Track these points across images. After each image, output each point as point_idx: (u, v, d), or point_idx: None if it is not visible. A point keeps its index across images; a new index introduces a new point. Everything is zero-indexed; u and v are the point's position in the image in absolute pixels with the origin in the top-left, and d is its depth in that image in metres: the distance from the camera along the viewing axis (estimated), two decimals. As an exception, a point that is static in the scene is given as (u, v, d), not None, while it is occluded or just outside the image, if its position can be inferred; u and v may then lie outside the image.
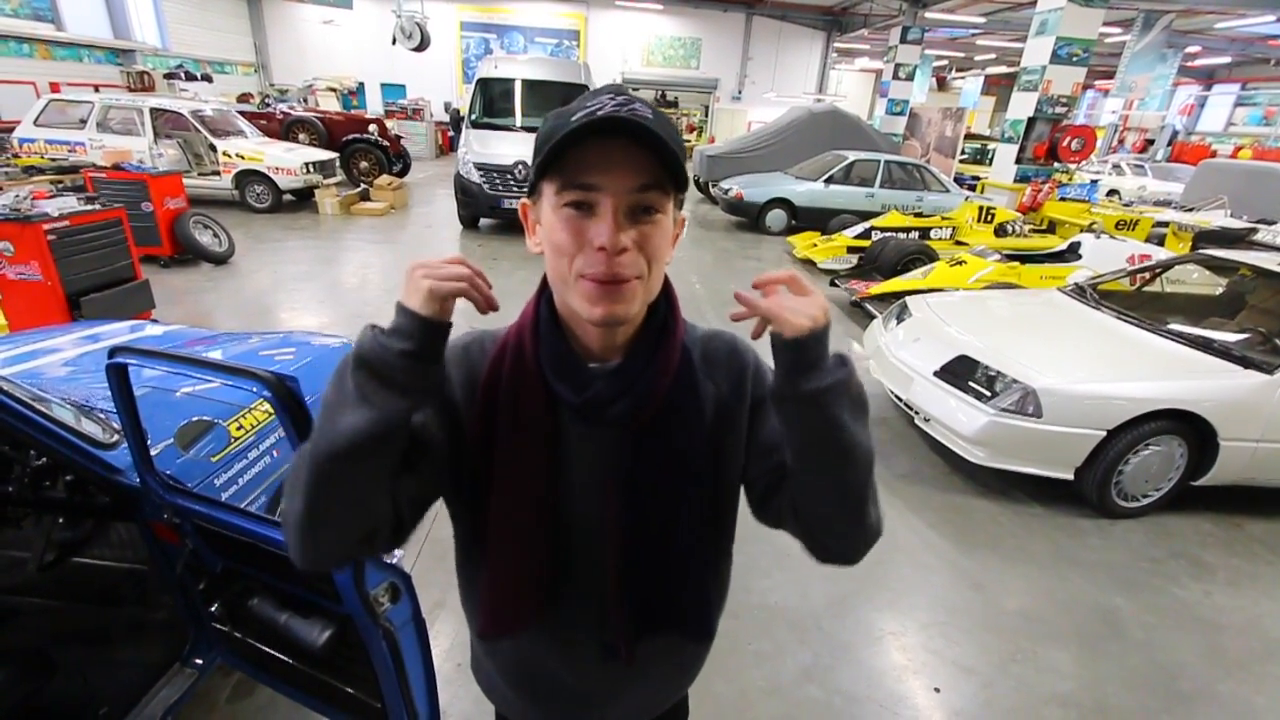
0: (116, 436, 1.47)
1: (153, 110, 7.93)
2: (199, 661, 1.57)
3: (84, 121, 7.84)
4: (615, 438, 0.70)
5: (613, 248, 0.59)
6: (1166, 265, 4.18)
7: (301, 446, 0.61)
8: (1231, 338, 3.24)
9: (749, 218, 9.35)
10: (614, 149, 0.58)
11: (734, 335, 0.79)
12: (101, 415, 1.56)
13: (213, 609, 1.41)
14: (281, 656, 1.38)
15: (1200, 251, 4.19)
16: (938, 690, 2.06)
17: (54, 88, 10.76)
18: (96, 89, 10.65)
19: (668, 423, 0.70)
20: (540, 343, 0.69)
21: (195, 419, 1.68)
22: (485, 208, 7.83)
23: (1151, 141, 19.19)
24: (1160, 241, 6.85)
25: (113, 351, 1.14)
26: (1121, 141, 19.06)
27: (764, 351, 0.71)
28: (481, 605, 0.77)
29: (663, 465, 0.71)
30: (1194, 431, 2.87)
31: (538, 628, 0.78)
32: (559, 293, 0.67)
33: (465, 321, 0.62)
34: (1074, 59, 8.74)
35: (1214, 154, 17.67)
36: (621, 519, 0.72)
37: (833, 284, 6.37)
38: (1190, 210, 8.57)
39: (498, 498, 0.71)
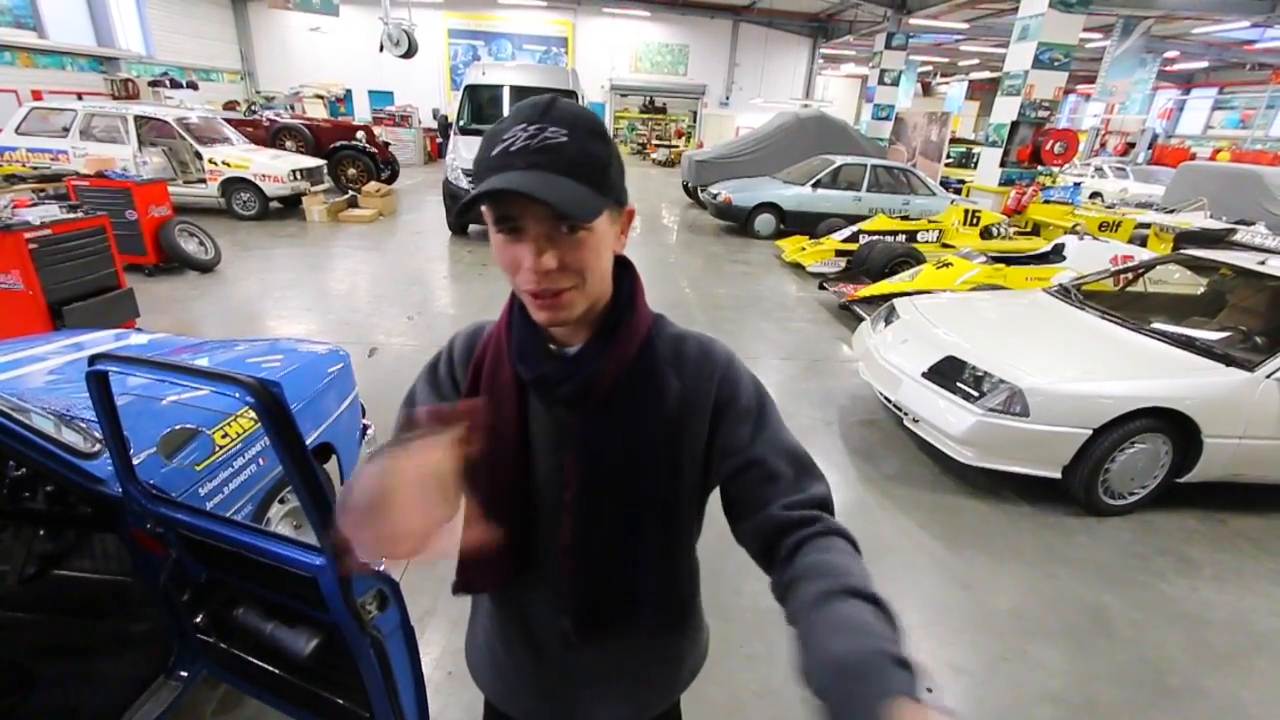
0: (98, 446, 1.45)
1: (137, 118, 7.85)
2: (184, 674, 1.54)
3: (67, 129, 7.76)
4: (573, 418, 0.75)
5: (536, 271, 0.64)
6: (1149, 266, 4.24)
7: None
8: (1213, 336, 3.29)
9: (737, 222, 9.39)
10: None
11: (710, 339, 0.81)
12: (83, 424, 1.54)
13: (197, 620, 1.39)
14: (268, 667, 1.35)
15: (1181, 252, 4.25)
16: (930, 690, 2.06)
17: (36, 95, 10.63)
18: (80, 97, 10.55)
19: (623, 406, 0.74)
20: (512, 329, 0.76)
21: (178, 427, 1.66)
22: (474, 214, 7.81)
23: (1132, 145, 19.46)
24: (1142, 242, 6.94)
25: (93, 359, 1.13)
26: (1103, 145, 19.31)
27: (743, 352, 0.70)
28: (458, 564, 0.81)
29: (615, 448, 0.74)
30: (1178, 429, 2.91)
31: (505, 600, 0.87)
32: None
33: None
34: (1055, 64, 8.88)
35: (1193, 156, 17.98)
36: (576, 499, 0.75)
37: (821, 287, 6.41)
38: (1171, 212, 8.69)
39: (476, 465, 0.74)
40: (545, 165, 0.62)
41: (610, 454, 0.74)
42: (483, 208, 0.66)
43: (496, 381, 0.76)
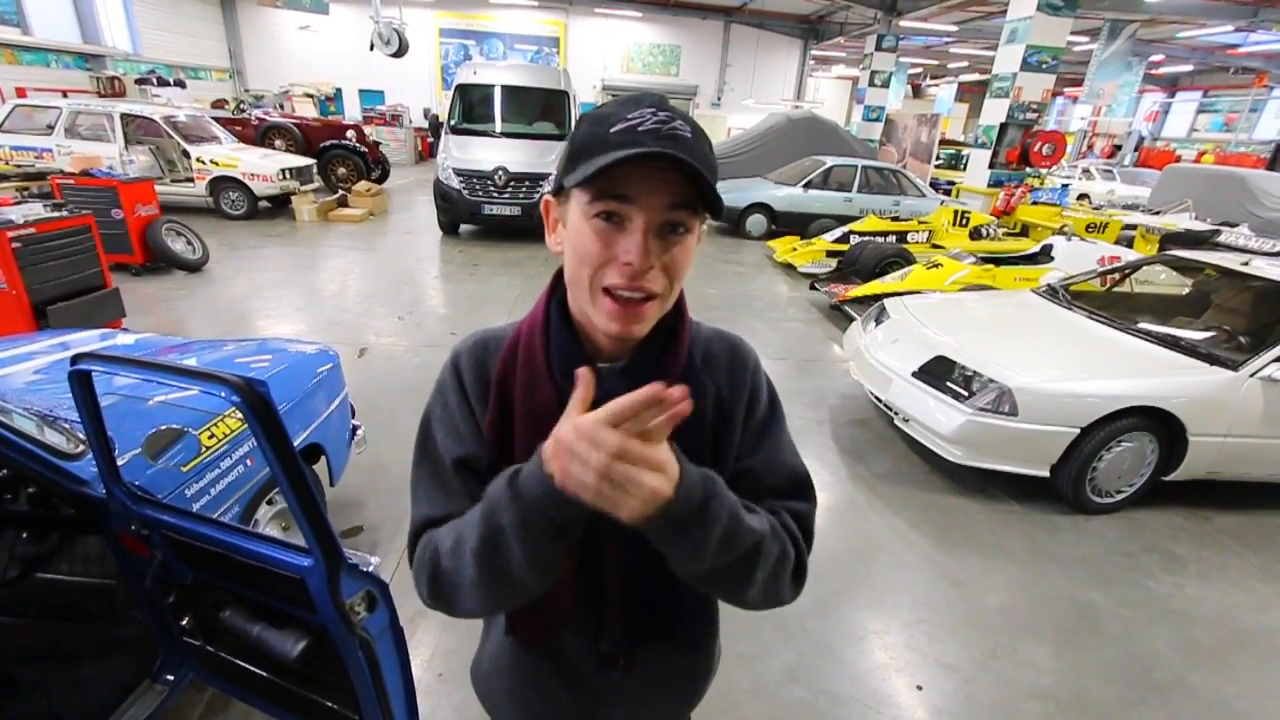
0: (81, 447, 1.43)
1: (123, 116, 7.77)
2: (170, 678, 1.52)
3: (51, 127, 7.67)
4: None
5: (640, 266, 0.60)
6: (1135, 266, 4.28)
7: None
8: (1198, 336, 3.33)
9: (729, 222, 9.41)
10: (650, 167, 0.58)
11: (737, 339, 0.81)
12: (66, 425, 1.52)
13: (183, 622, 1.37)
14: (255, 670, 1.34)
15: (1167, 253, 4.30)
16: (920, 688, 2.07)
17: (20, 93, 10.49)
18: (65, 94, 10.41)
19: None
20: (550, 343, 0.70)
21: (164, 427, 1.64)
22: (465, 213, 7.79)
23: (1119, 147, 19.69)
24: (1129, 243, 7.02)
25: (76, 358, 1.11)
26: (1090, 147, 19.53)
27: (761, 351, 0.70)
28: (526, 608, 0.75)
29: None
30: (1164, 428, 2.94)
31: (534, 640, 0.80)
32: (575, 295, 0.66)
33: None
34: (1043, 66, 8.97)
35: (1178, 159, 18.17)
36: (620, 524, 0.71)
37: (813, 287, 6.43)
38: (1157, 213, 8.80)
39: None
40: (677, 150, 0.58)
41: None
42: (576, 189, 0.61)
43: (534, 401, 0.69)
